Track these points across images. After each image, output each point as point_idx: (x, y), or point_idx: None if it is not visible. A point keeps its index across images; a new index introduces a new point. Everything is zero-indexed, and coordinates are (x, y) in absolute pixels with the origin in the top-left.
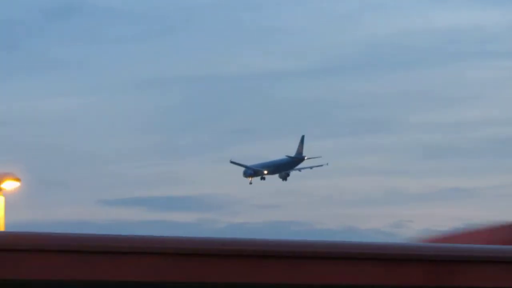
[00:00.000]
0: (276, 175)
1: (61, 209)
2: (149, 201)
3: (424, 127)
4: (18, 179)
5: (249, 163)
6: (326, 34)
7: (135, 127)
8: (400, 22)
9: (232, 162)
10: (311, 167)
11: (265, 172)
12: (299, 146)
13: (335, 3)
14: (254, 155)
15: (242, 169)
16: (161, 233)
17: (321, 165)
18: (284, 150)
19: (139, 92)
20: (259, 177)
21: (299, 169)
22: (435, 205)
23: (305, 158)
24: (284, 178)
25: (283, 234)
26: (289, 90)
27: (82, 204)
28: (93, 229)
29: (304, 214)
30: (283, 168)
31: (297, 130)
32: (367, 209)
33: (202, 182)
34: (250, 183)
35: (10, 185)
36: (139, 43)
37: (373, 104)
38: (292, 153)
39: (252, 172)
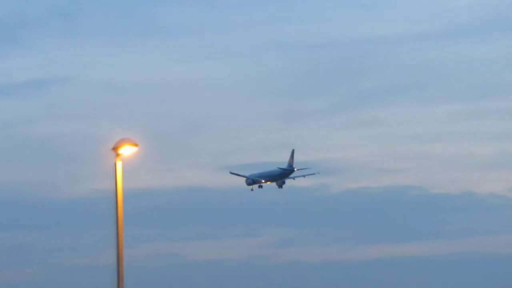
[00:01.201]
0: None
1: (178, 175)
2: (267, 166)
3: None
4: (135, 145)
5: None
6: None
7: (260, 91)
8: None
9: (231, 173)
10: (304, 176)
11: (263, 181)
12: (289, 159)
13: None
14: (376, 117)
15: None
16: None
17: (313, 174)
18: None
19: (266, 56)
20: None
21: (293, 178)
22: None
23: (295, 169)
24: (280, 185)
25: (401, 200)
26: (410, 54)
27: (199, 169)
28: (210, 195)
29: (422, 178)
30: (277, 177)
31: (418, 93)
32: (483, 174)
33: (322, 147)
34: (252, 189)
35: (128, 150)
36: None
37: (491, 69)
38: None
39: (251, 181)
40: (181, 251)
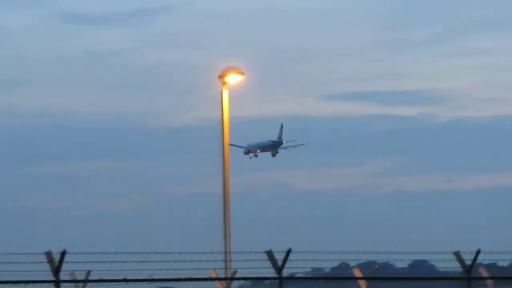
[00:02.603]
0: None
1: (284, 103)
2: (372, 95)
3: None
4: (241, 73)
5: None
6: None
7: (366, 20)
8: None
9: (231, 144)
10: (294, 146)
11: (258, 151)
12: (279, 132)
13: None
14: (481, 47)
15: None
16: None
17: (303, 144)
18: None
19: None
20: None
21: (285, 148)
22: None
23: (284, 141)
24: (273, 155)
25: (506, 129)
26: None
27: (305, 98)
28: (315, 124)
29: None
30: (269, 148)
31: None
32: None
33: (427, 76)
34: (250, 158)
35: (234, 78)
36: None
37: None
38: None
39: (247, 151)
40: (288, 180)
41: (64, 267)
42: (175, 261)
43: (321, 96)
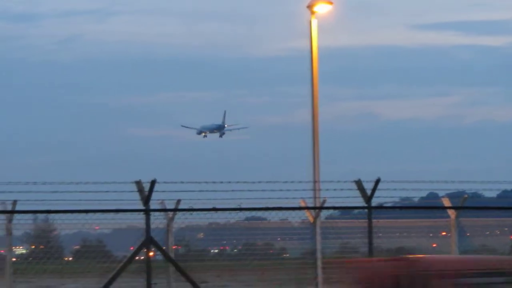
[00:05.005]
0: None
1: (373, 33)
2: (461, 25)
3: None
4: (330, 2)
5: None
6: None
7: None
8: None
9: (182, 126)
10: (238, 129)
11: (207, 132)
12: (223, 118)
13: None
14: None
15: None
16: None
17: (246, 127)
18: None
19: None
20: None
21: (230, 130)
22: None
23: (226, 125)
24: (221, 136)
25: None
26: None
27: (394, 28)
28: (403, 55)
29: None
30: (215, 130)
31: None
32: None
33: None
34: (204, 136)
35: (323, 8)
36: None
37: None
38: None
39: (199, 132)
40: (375, 110)
41: (154, 196)
42: (264, 190)
43: (409, 26)
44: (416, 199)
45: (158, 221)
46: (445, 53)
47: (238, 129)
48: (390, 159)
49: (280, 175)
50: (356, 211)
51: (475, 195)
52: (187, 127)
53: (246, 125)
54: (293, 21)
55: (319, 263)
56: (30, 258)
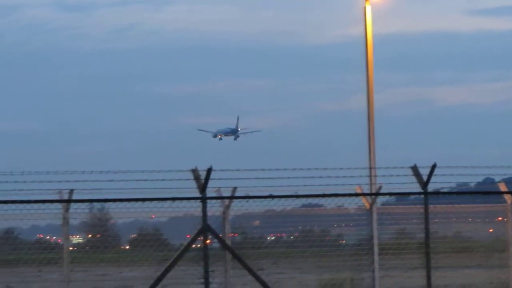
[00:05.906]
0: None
1: (428, 20)
2: None
3: None
4: None
5: None
6: None
7: None
8: None
9: (199, 129)
10: (251, 132)
11: (223, 135)
12: (236, 122)
13: None
14: None
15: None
16: None
17: (259, 131)
18: None
19: None
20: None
21: (244, 133)
22: None
23: (239, 129)
24: (235, 139)
25: None
26: None
27: (450, 14)
28: (459, 40)
29: None
30: (230, 134)
31: None
32: None
33: None
34: (219, 139)
35: None
36: None
37: None
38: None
39: (215, 135)
40: (430, 96)
41: (210, 184)
42: (320, 177)
43: (466, 11)
44: (472, 184)
45: (214, 208)
46: (502, 38)
47: (251, 132)
48: (445, 145)
49: (336, 162)
50: (412, 197)
51: None
52: (203, 131)
53: (258, 128)
54: (349, 8)
55: (375, 249)
56: (87, 247)
